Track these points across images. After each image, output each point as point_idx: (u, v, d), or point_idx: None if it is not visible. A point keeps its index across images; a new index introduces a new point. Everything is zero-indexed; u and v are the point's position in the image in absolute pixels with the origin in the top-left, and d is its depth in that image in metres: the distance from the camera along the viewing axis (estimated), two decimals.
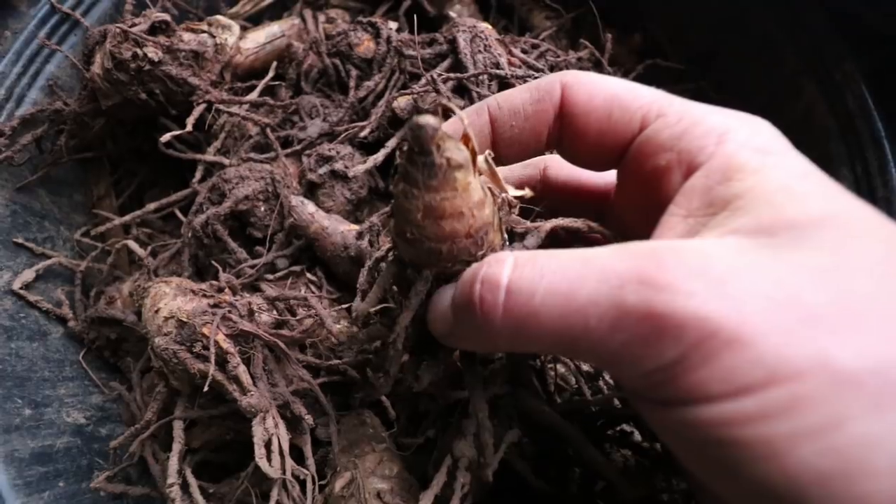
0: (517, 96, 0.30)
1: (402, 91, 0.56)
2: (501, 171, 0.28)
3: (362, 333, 0.39)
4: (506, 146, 0.31)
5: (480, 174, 0.27)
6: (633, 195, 0.28)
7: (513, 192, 0.29)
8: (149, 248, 0.57)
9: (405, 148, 0.24)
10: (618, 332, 0.19)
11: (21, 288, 0.55)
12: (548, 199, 0.32)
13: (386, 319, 0.35)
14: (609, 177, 0.31)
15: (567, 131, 0.29)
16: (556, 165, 0.33)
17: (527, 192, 0.29)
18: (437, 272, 0.28)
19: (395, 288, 0.32)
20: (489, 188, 0.27)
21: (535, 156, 0.32)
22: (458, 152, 0.24)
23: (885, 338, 0.17)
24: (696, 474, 0.22)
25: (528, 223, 0.30)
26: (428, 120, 0.22)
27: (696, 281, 0.18)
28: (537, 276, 0.21)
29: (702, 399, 0.18)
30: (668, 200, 0.25)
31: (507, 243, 0.29)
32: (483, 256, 0.26)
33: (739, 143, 0.23)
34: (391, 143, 0.54)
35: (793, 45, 0.56)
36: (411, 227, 0.26)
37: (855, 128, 0.50)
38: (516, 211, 0.29)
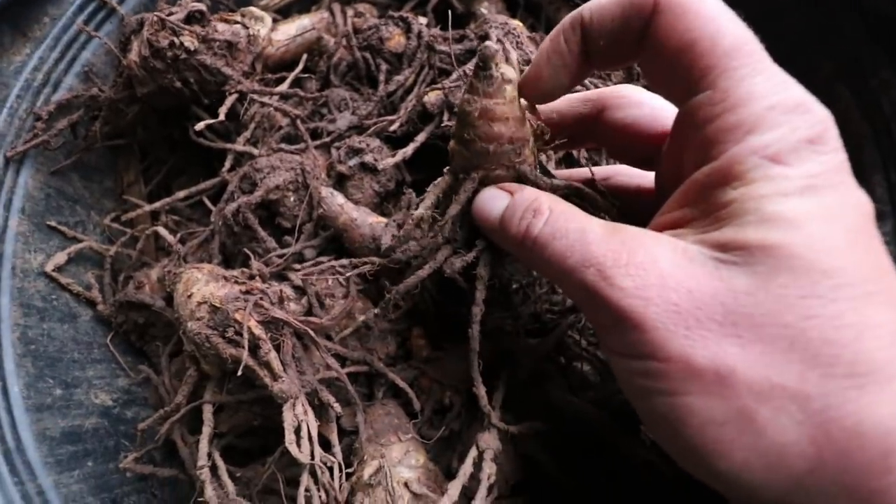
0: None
1: (433, 86, 0.56)
2: (560, 101, 0.36)
3: (413, 240, 0.43)
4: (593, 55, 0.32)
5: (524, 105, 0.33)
6: (670, 158, 0.32)
7: (542, 117, 0.35)
8: (177, 235, 0.58)
9: (473, 68, 0.32)
10: (579, 293, 0.28)
11: (53, 270, 0.56)
12: (602, 139, 0.38)
13: (435, 224, 0.40)
14: (664, 123, 0.34)
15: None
16: (615, 106, 0.36)
17: (552, 117, 0.36)
18: (482, 175, 0.34)
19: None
20: (529, 120, 0.34)
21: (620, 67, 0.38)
22: (510, 71, 0.32)
23: (738, 350, 0.24)
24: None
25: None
26: (492, 44, 0.31)
27: (629, 281, 0.26)
28: (554, 237, 0.30)
29: (612, 353, 0.28)
30: (686, 177, 0.28)
31: (538, 168, 0.36)
32: (521, 165, 0.34)
33: (753, 149, 0.25)
34: (420, 138, 0.55)
35: (827, 51, 0.55)
36: (469, 128, 0.33)
37: (890, 134, 0.49)
38: (547, 137, 0.35)
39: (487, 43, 0.31)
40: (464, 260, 0.37)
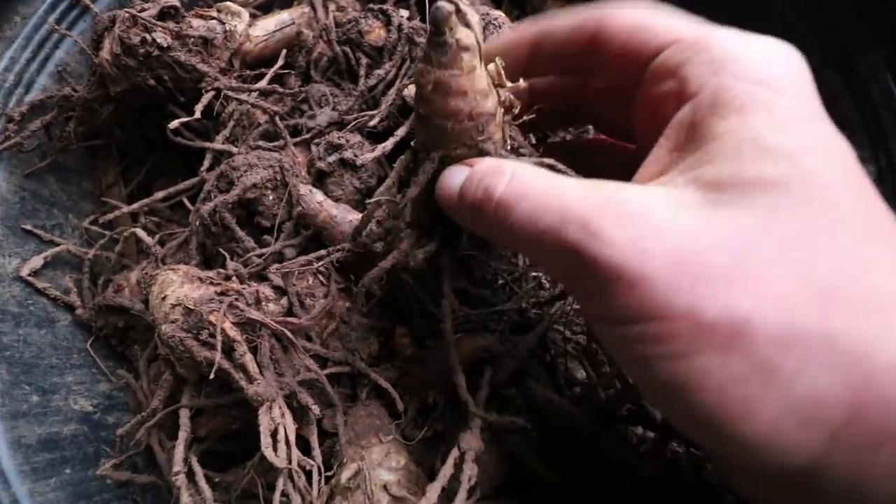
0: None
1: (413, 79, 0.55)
2: (547, 28, 0.32)
3: (374, 225, 0.42)
4: (541, 61, 0.34)
5: (492, 76, 0.30)
6: (644, 121, 0.30)
7: (508, 86, 0.31)
8: (156, 236, 0.57)
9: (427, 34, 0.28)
10: (556, 259, 0.25)
11: (29, 275, 0.55)
12: (587, 103, 0.35)
13: (395, 206, 0.38)
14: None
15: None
16: (608, 31, 0.32)
17: (520, 84, 0.31)
18: (443, 154, 0.31)
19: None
20: (497, 91, 0.31)
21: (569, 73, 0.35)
22: (466, 36, 0.27)
23: (751, 297, 0.21)
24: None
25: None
26: (445, 4, 0.26)
27: (621, 234, 0.23)
28: (519, 197, 0.26)
29: (602, 323, 0.25)
30: (663, 128, 0.27)
31: (509, 144, 0.32)
32: (484, 143, 0.30)
33: (736, 75, 0.24)
34: (400, 132, 0.54)
35: (815, 35, 0.54)
36: (424, 103, 0.30)
37: (880, 121, 0.48)
38: (516, 111, 0.33)
39: (439, 3, 0.26)
40: (426, 251, 0.34)
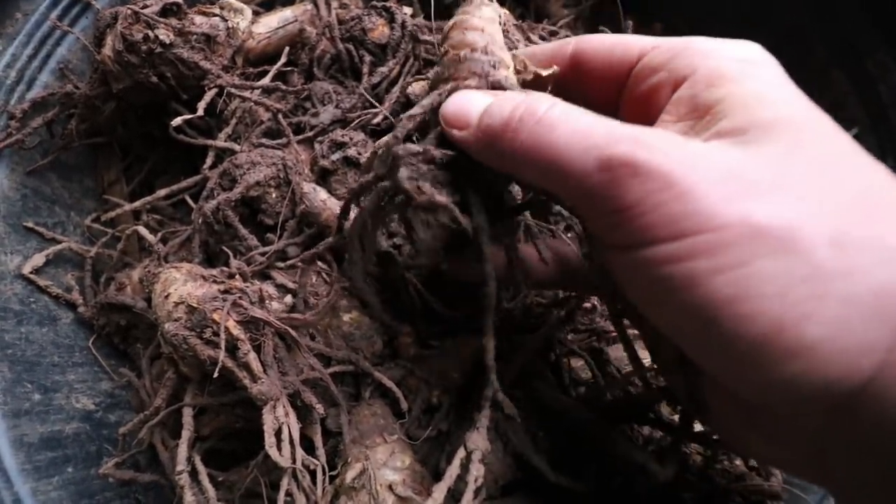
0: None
1: (417, 77, 0.55)
2: (527, 50, 0.35)
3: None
4: None
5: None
6: (633, 116, 0.32)
7: (543, 72, 0.33)
8: (159, 234, 0.56)
9: None
10: (603, 171, 0.24)
11: (31, 272, 0.55)
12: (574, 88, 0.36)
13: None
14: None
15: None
16: (586, 49, 0.35)
17: (555, 69, 0.33)
18: (452, 87, 0.31)
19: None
20: (512, 52, 0.33)
21: None
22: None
23: (798, 206, 0.22)
24: (645, 313, 0.27)
25: None
26: None
27: (673, 148, 0.24)
28: (563, 117, 0.26)
29: (649, 240, 0.24)
30: (660, 112, 0.29)
31: None
32: (496, 77, 0.31)
33: (724, 56, 0.27)
34: None
35: (822, 34, 0.54)
36: (444, 41, 0.32)
37: (888, 121, 0.48)
38: (529, 76, 0.33)
39: None
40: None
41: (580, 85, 0.35)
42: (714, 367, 0.25)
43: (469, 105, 0.30)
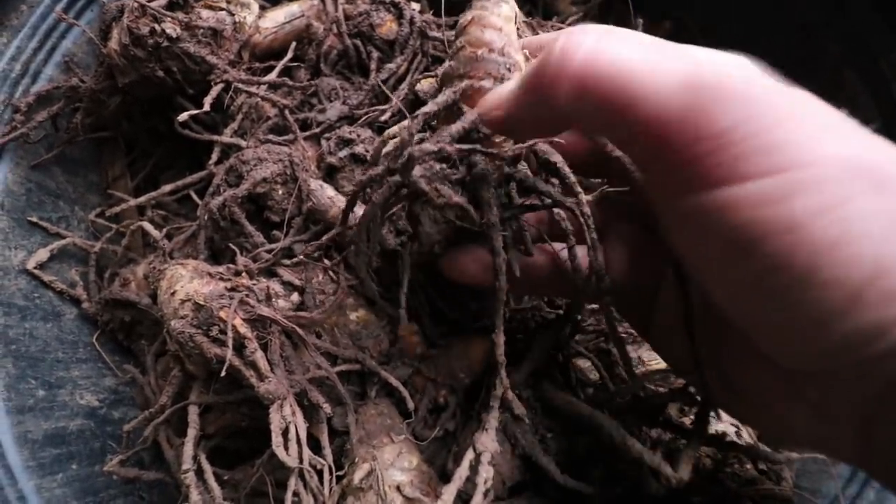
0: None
1: (426, 73, 0.54)
2: (534, 39, 0.35)
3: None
4: None
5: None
6: None
7: None
8: (164, 230, 0.56)
9: None
10: (686, 95, 0.21)
11: (35, 267, 0.54)
12: None
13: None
14: None
15: None
16: None
17: None
18: (466, 86, 0.32)
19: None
20: (525, 54, 0.33)
21: None
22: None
23: (879, 149, 0.22)
24: (705, 273, 0.25)
25: None
26: None
27: (763, 81, 0.22)
28: (629, 36, 0.23)
29: (740, 176, 0.21)
30: None
31: None
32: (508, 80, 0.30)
33: (722, 63, 0.27)
34: None
35: (834, 33, 0.53)
36: (461, 37, 0.32)
37: None
38: None
39: None
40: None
41: None
42: (790, 330, 0.23)
43: (502, 89, 0.29)
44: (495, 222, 0.32)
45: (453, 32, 0.55)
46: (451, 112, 0.33)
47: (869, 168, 0.20)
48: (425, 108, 0.31)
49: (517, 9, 0.35)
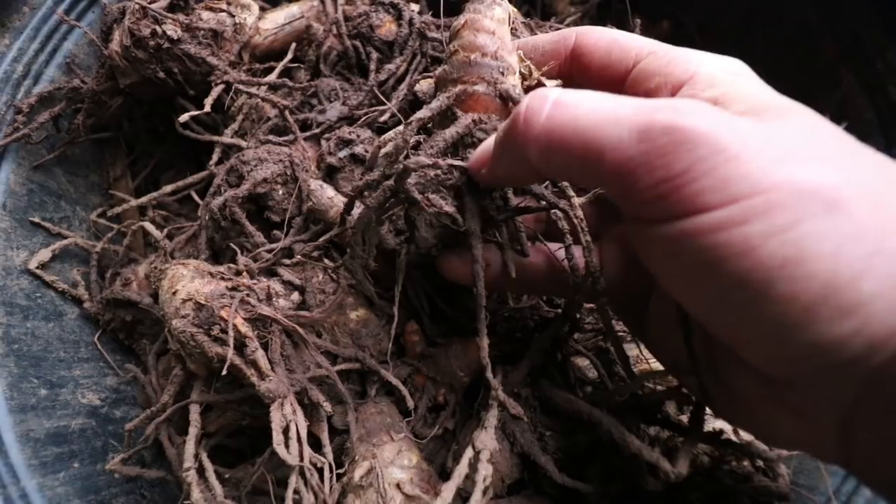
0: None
1: (425, 74, 0.55)
2: (530, 40, 0.36)
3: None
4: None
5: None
6: None
7: (546, 82, 0.34)
8: (165, 230, 0.56)
9: None
10: (643, 143, 0.23)
11: (37, 267, 0.55)
12: (574, 80, 0.36)
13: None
14: (635, 61, 0.35)
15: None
16: (586, 43, 0.36)
17: (558, 82, 0.34)
18: (460, 90, 0.32)
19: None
20: (518, 55, 0.34)
21: None
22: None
23: (834, 169, 0.23)
24: (676, 290, 0.27)
25: None
26: None
27: (715, 115, 0.24)
28: (581, 96, 0.25)
29: (699, 208, 0.23)
30: None
31: None
32: (502, 84, 0.32)
33: (716, 67, 0.30)
34: None
35: (830, 33, 0.54)
36: (454, 40, 0.33)
37: None
38: (533, 81, 0.35)
39: None
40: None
41: (580, 79, 0.36)
42: (755, 339, 0.24)
43: (487, 144, 0.31)
44: (475, 230, 0.33)
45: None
46: (445, 117, 0.33)
47: (821, 191, 0.22)
48: (419, 114, 0.32)
49: (512, 9, 0.35)
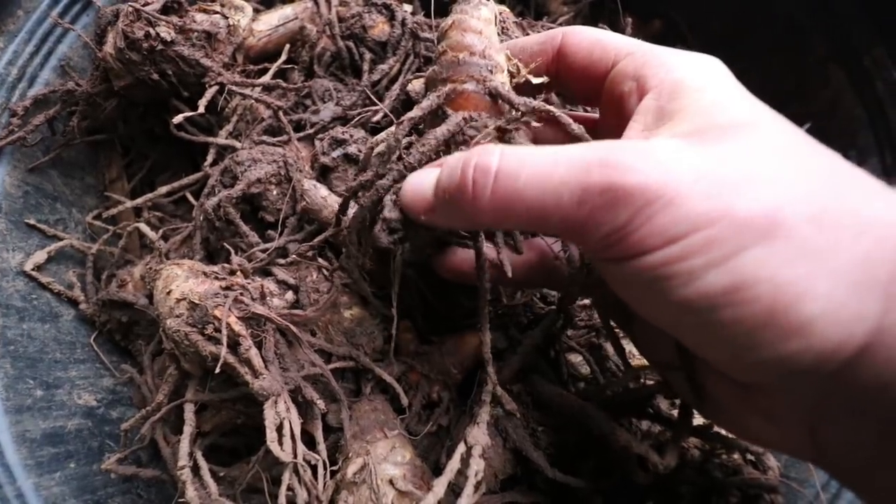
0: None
1: (417, 74, 0.55)
2: (518, 41, 0.37)
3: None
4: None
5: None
6: (610, 118, 0.34)
7: (533, 80, 0.35)
8: (160, 231, 0.57)
9: None
10: (583, 205, 0.25)
11: (33, 269, 0.55)
12: (562, 82, 0.37)
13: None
14: (616, 61, 0.35)
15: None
16: (571, 43, 0.36)
17: (544, 79, 0.35)
18: (450, 89, 0.33)
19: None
20: (506, 54, 0.35)
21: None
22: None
23: (773, 193, 0.24)
24: (638, 310, 0.28)
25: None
26: None
27: (644, 162, 0.24)
28: (520, 164, 0.26)
29: (644, 251, 0.24)
30: (630, 119, 0.30)
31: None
32: (490, 82, 0.32)
33: (686, 70, 0.30)
34: None
35: (820, 30, 0.54)
36: (442, 41, 0.33)
37: (885, 116, 0.48)
38: (522, 79, 0.35)
39: None
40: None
41: (565, 78, 0.37)
42: (713, 354, 0.26)
43: (421, 185, 0.31)
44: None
45: None
46: (436, 116, 0.33)
47: (755, 220, 0.23)
48: (411, 114, 0.32)
49: (503, 9, 0.36)
